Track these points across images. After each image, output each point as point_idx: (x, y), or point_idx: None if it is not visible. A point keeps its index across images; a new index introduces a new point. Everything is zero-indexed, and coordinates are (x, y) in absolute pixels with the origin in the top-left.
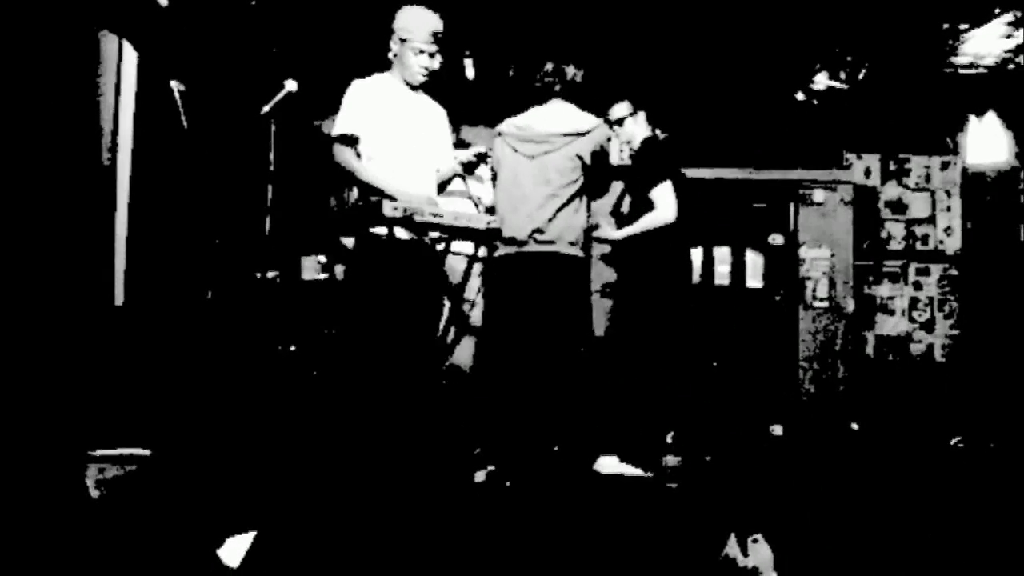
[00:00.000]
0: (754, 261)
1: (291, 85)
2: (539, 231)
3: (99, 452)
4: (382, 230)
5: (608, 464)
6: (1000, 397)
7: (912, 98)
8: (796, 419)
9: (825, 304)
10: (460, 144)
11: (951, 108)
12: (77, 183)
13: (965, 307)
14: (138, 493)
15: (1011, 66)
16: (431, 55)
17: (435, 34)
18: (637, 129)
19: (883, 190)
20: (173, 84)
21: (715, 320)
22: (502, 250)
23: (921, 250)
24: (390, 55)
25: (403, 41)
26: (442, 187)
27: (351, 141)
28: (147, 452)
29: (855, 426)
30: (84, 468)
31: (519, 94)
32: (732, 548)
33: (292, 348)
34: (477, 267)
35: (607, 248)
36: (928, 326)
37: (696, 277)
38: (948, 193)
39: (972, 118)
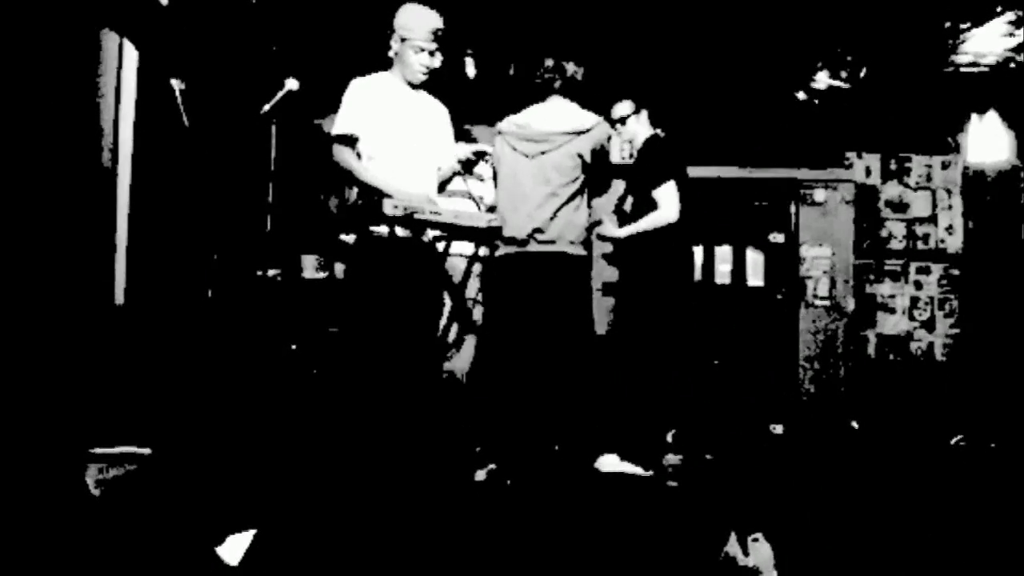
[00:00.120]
0: (755, 260)
1: (292, 84)
2: (539, 230)
3: (100, 451)
4: (383, 229)
5: (609, 463)
6: (1001, 396)
7: (913, 97)
8: (797, 418)
9: (826, 303)
10: (466, 139)
11: (952, 107)
12: (77, 182)
13: (966, 306)
14: (139, 492)
15: (1012, 65)
16: (431, 53)
17: (435, 32)
18: (640, 128)
19: (884, 189)
20: (174, 83)
21: (716, 319)
22: (503, 250)
23: (922, 249)
24: (390, 54)
25: (403, 40)
26: (443, 186)
27: (350, 141)
28: (148, 451)
29: (855, 425)
30: (84, 467)
31: (520, 92)
32: (733, 547)
33: (293, 347)
34: (477, 267)
35: (609, 247)
36: (929, 325)
37: (697, 276)
38: (949, 192)
39: (973, 117)
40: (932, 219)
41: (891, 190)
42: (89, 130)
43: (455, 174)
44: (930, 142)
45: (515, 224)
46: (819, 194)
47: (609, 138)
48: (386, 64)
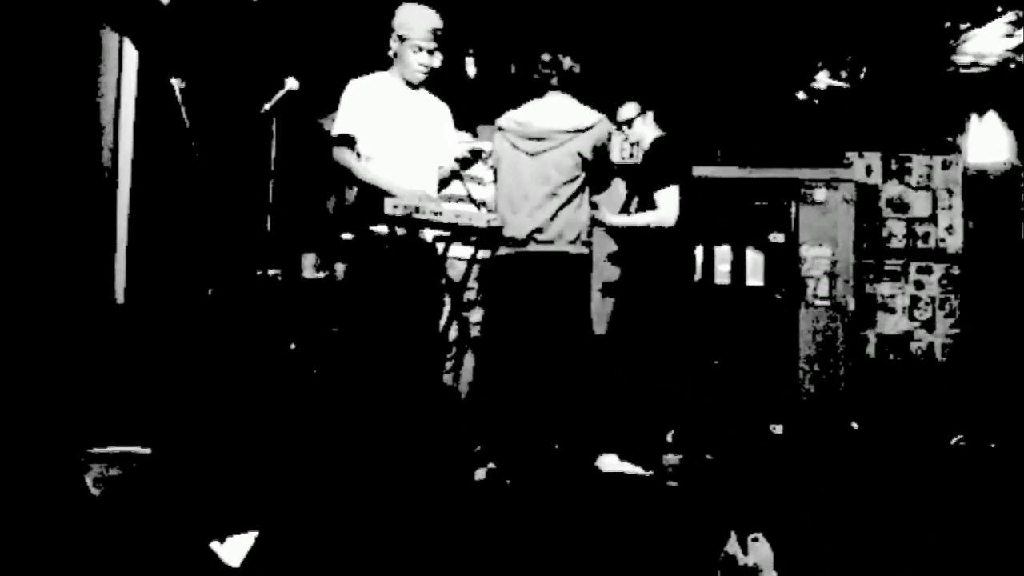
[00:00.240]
0: (755, 260)
1: (292, 83)
2: (539, 230)
3: (99, 450)
4: (383, 228)
5: (608, 462)
6: (1001, 396)
7: (913, 97)
8: (796, 418)
9: (826, 303)
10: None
11: (952, 107)
12: (78, 181)
13: (966, 306)
14: (138, 492)
15: (1012, 65)
16: (430, 52)
17: (434, 31)
18: (646, 130)
19: (884, 189)
20: (174, 82)
21: (716, 319)
22: (503, 250)
23: (922, 249)
24: (390, 53)
25: (402, 39)
26: (443, 184)
27: (349, 141)
28: (147, 451)
29: (855, 425)
30: (84, 466)
31: (521, 92)
32: (732, 546)
33: (293, 346)
34: (477, 267)
35: (611, 247)
36: (929, 325)
37: (697, 276)
38: (949, 192)
39: (973, 117)
40: (932, 219)
41: (891, 190)
42: (89, 129)
43: (454, 172)
44: (930, 142)
45: (515, 224)
46: (819, 194)
47: (610, 135)
48: (386, 63)
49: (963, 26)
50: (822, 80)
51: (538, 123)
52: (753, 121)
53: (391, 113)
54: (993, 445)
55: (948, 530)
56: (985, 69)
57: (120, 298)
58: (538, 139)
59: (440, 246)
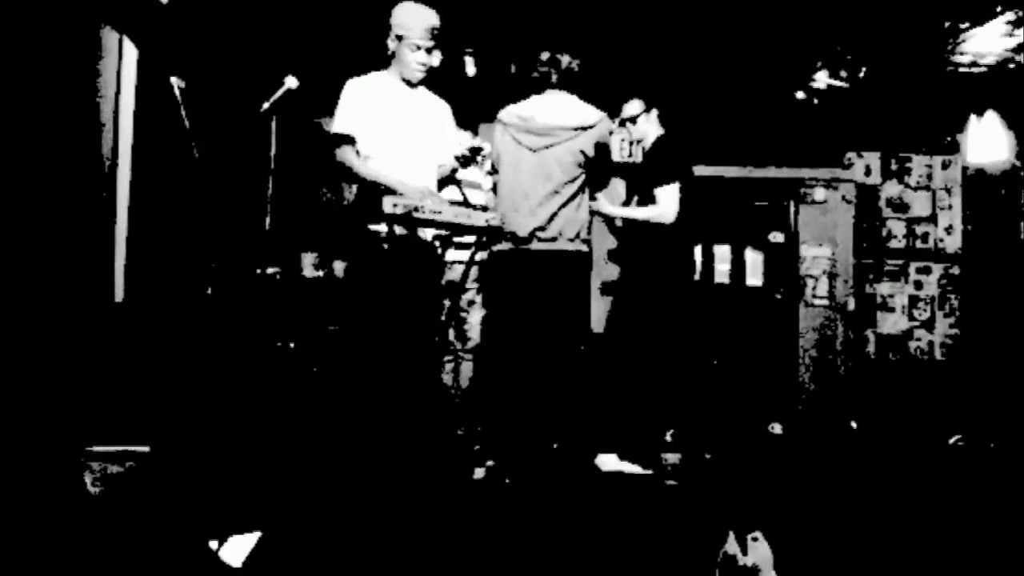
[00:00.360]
0: (754, 259)
1: (291, 82)
2: (541, 228)
3: (98, 449)
4: (382, 227)
5: (608, 461)
6: (1000, 396)
7: (913, 97)
8: (796, 417)
9: (825, 302)
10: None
11: (952, 107)
12: (77, 179)
13: (965, 306)
14: (137, 490)
15: (1012, 65)
16: (428, 51)
17: (432, 30)
18: (650, 128)
19: (884, 188)
20: (173, 80)
21: (715, 318)
22: (504, 245)
23: (922, 248)
24: (389, 52)
25: (400, 38)
26: (444, 183)
27: (349, 140)
28: (146, 449)
29: (854, 424)
30: (83, 465)
31: (521, 90)
32: (732, 546)
33: (292, 345)
34: (475, 269)
35: (611, 244)
36: (928, 324)
37: (697, 275)
38: (949, 192)
39: (973, 117)
40: (932, 219)
41: (891, 189)
42: (89, 128)
43: (454, 171)
44: (930, 142)
45: (516, 221)
46: (819, 193)
47: (611, 132)
48: (386, 62)
49: (962, 25)
50: (821, 80)
51: (541, 118)
52: (753, 121)
53: (390, 112)
54: (992, 445)
55: (947, 529)
56: (984, 69)
57: (119, 296)
58: (541, 135)
59: (439, 244)
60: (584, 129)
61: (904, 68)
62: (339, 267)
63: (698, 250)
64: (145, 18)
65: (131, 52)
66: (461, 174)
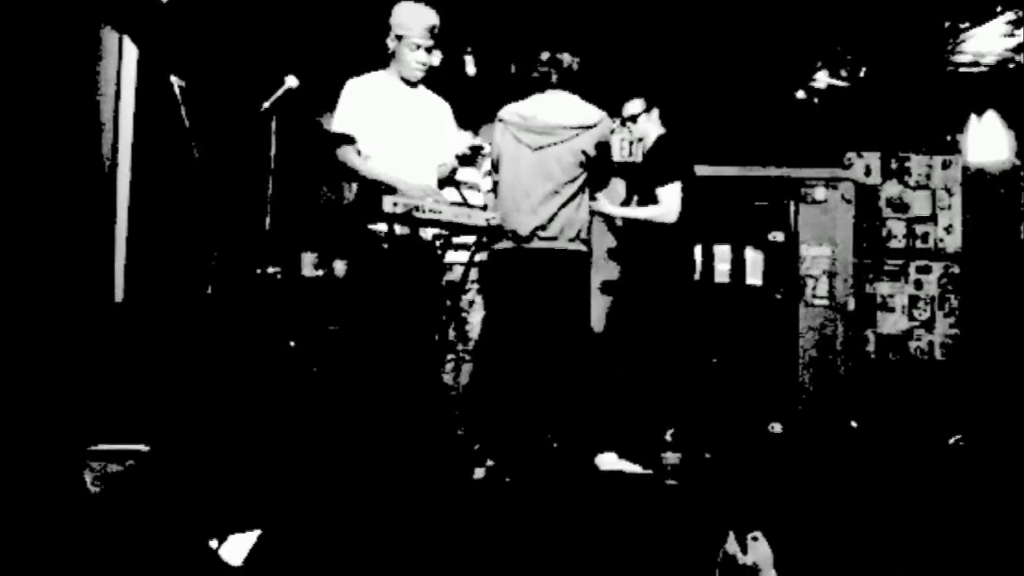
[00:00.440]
0: (754, 259)
1: (292, 81)
2: (542, 227)
3: (98, 448)
4: (382, 226)
5: (607, 461)
6: (1000, 396)
7: (913, 96)
8: (796, 417)
9: (825, 302)
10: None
11: (952, 106)
12: (77, 179)
13: (965, 305)
14: (138, 489)
15: (1012, 65)
16: (428, 50)
17: (431, 29)
18: (651, 127)
19: (884, 188)
20: (173, 80)
21: (715, 317)
22: (504, 244)
23: (922, 248)
24: (389, 52)
25: (399, 37)
26: (443, 184)
27: (350, 140)
28: (147, 448)
29: (854, 424)
30: (83, 464)
31: (521, 90)
32: (731, 545)
33: (292, 344)
34: (474, 269)
35: (611, 242)
36: (928, 324)
37: (696, 274)
38: (949, 191)
39: (973, 116)
40: (932, 218)
41: (891, 189)
42: (89, 127)
43: (454, 170)
44: (930, 141)
45: (517, 219)
46: (819, 193)
47: (612, 132)
48: (386, 62)
49: (962, 25)
50: (821, 79)
51: (543, 117)
52: (753, 120)
53: (390, 111)
54: (992, 444)
55: (947, 529)
56: (984, 68)
57: (119, 296)
58: (542, 133)
59: (439, 243)
60: (585, 128)
61: (904, 68)
62: (339, 267)
63: (698, 249)
64: (145, 18)
65: (131, 52)
66: (460, 175)
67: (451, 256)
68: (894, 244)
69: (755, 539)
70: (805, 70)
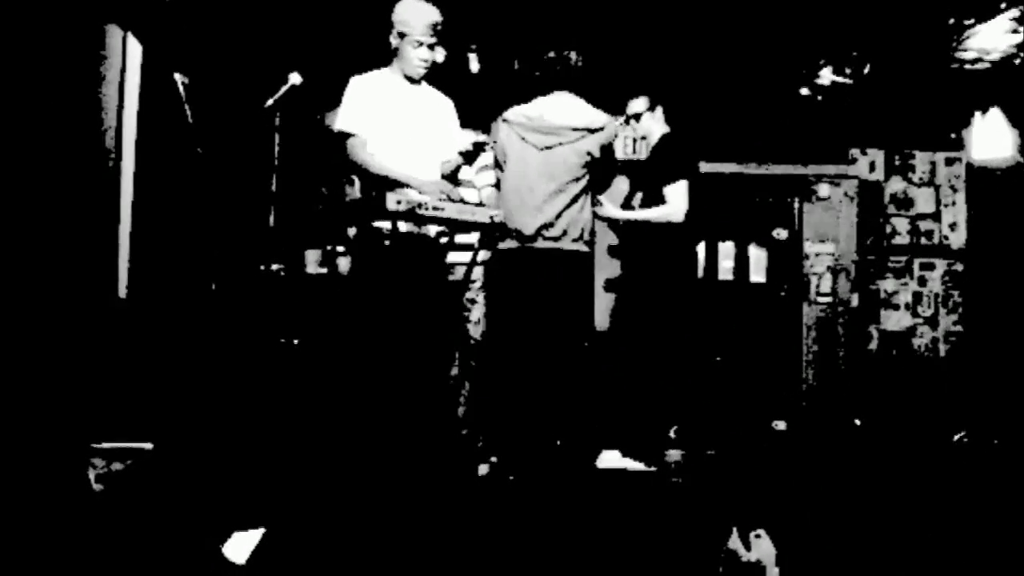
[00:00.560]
0: (757, 256)
1: (295, 78)
2: (546, 227)
3: (102, 445)
4: (386, 224)
5: (611, 458)
6: (1004, 393)
7: (917, 93)
8: (799, 414)
9: (828, 299)
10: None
11: (956, 103)
12: (81, 175)
13: (969, 303)
14: (141, 487)
15: (1016, 62)
16: (430, 47)
17: (434, 26)
18: (654, 125)
19: (888, 185)
20: (177, 77)
21: (718, 315)
22: (508, 243)
23: (925, 245)
24: (392, 49)
25: (402, 35)
26: (448, 179)
27: (359, 137)
28: (150, 446)
29: (858, 421)
30: (87, 461)
31: (525, 87)
32: (735, 542)
33: (296, 341)
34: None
35: (613, 240)
36: (932, 321)
37: (699, 272)
38: (953, 188)
39: (977, 114)
40: (936, 215)
41: (895, 186)
42: (93, 124)
43: (458, 167)
44: (934, 138)
45: (521, 218)
46: (823, 190)
47: (616, 135)
48: (389, 59)
49: (967, 22)
50: (825, 76)
51: (549, 118)
52: (756, 118)
53: (393, 108)
54: (995, 442)
55: (950, 527)
56: (988, 65)
57: (123, 292)
58: (548, 134)
59: (443, 241)
60: (592, 131)
61: (908, 65)
62: (343, 264)
63: (701, 247)
64: (149, 15)
65: (135, 49)
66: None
67: (454, 256)
68: (898, 241)
69: (758, 536)
70: (809, 67)
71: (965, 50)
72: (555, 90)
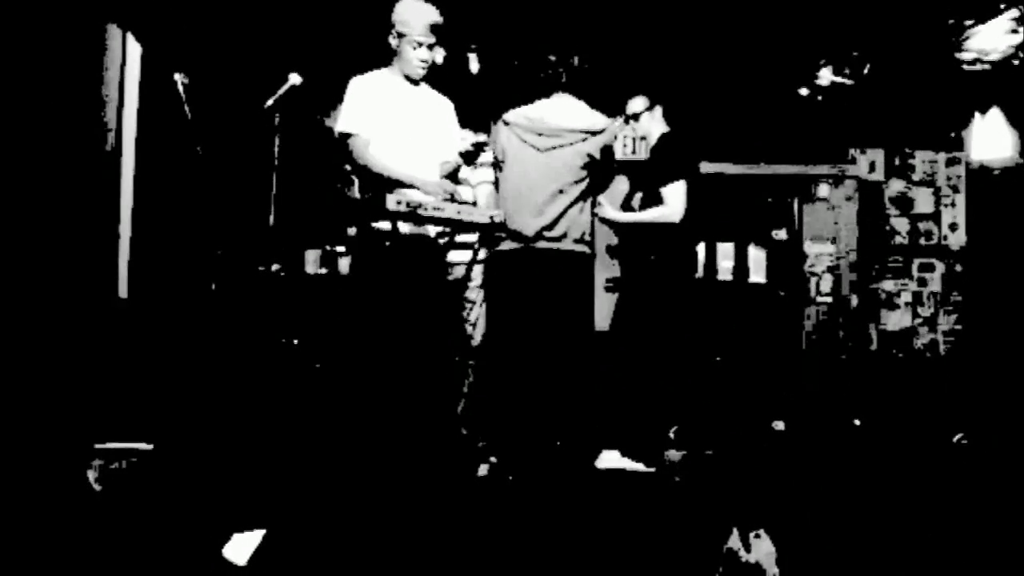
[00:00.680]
0: (757, 256)
1: (295, 78)
2: (547, 228)
3: (102, 446)
4: (385, 224)
5: (610, 459)
6: (1003, 393)
7: (917, 94)
8: (799, 414)
9: (828, 299)
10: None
11: (956, 104)
12: (81, 175)
13: (969, 303)
14: (141, 487)
15: (1016, 62)
16: (430, 48)
17: (433, 26)
18: (654, 125)
19: (888, 185)
20: (177, 77)
21: (718, 315)
22: (509, 244)
23: (925, 245)
24: (392, 49)
25: (401, 35)
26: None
27: (362, 137)
28: (150, 446)
29: (857, 422)
30: (87, 461)
31: (525, 88)
32: (734, 543)
33: (295, 341)
34: (476, 268)
35: (613, 239)
36: (932, 321)
37: (699, 272)
38: (953, 189)
39: (977, 114)
40: (935, 215)
41: (895, 186)
42: (93, 124)
43: (458, 168)
44: (934, 139)
45: (521, 220)
46: (823, 190)
47: (615, 137)
48: (390, 59)
49: (967, 23)
50: (825, 77)
51: (550, 120)
52: (756, 118)
53: (393, 109)
54: (995, 442)
55: (950, 527)
56: (988, 66)
57: (123, 293)
58: (549, 135)
59: (443, 241)
60: (593, 134)
61: (908, 65)
62: (343, 264)
63: (701, 247)
64: (149, 15)
65: (135, 49)
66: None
67: (454, 255)
68: (898, 241)
69: (758, 536)
70: (809, 67)
71: (965, 50)
72: (556, 92)
